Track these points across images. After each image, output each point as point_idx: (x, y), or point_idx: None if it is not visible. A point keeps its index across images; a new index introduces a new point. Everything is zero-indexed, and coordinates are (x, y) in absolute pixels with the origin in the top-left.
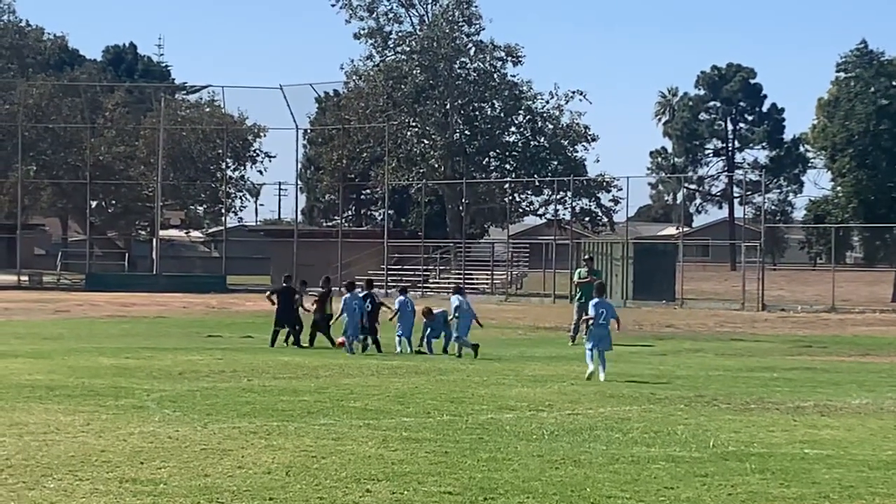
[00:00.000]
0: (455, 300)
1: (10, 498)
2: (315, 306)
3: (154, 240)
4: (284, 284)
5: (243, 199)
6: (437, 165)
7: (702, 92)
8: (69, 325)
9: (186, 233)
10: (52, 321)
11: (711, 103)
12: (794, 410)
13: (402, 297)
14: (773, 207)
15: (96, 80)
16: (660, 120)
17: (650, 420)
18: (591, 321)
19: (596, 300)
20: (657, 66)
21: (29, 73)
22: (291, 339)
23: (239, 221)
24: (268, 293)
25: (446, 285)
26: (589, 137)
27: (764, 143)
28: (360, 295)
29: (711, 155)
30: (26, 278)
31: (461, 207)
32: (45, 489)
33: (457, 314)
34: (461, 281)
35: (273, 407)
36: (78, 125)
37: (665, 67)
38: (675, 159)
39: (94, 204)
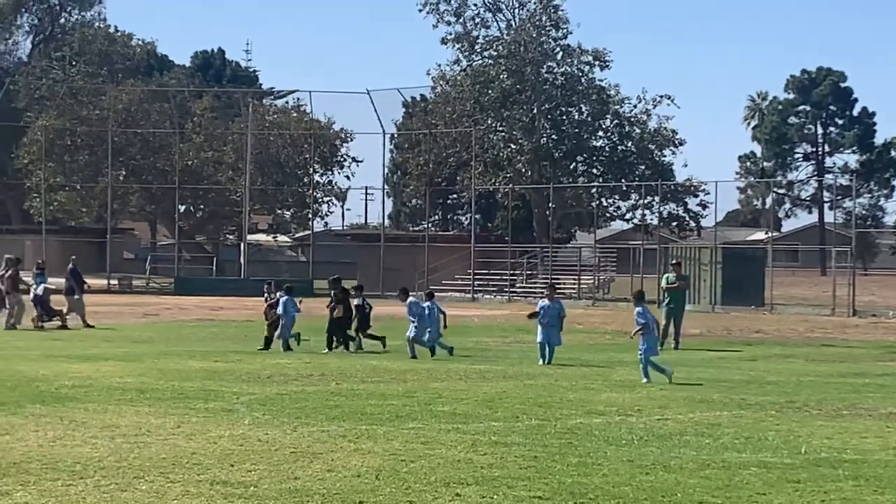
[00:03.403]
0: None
1: (104, 499)
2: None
3: (242, 244)
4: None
5: (330, 203)
6: (523, 170)
7: (791, 96)
8: (158, 328)
9: (274, 237)
10: (141, 325)
11: (801, 107)
12: (887, 417)
13: (428, 303)
14: (863, 212)
15: (185, 85)
16: (749, 124)
17: (741, 425)
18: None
19: (640, 308)
20: (746, 70)
21: (118, 79)
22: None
23: (326, 226)
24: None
25: (533, 290)
26: (676, 142)
27: (854, 147)
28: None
29: (801, 159)
30: (116, 282)
31: (548, 212)
32: (138, 491)
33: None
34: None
35: (361, 411)
36: (166, 130)
37: (754, 71)
38: (765, 164)
39: (182, 208)
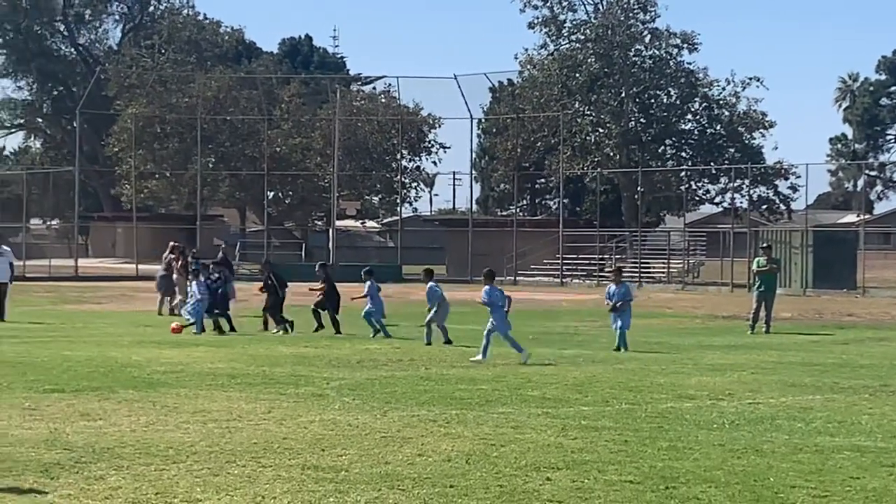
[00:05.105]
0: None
1: (196, 483)
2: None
3: (330, 230)
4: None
5: (418, 189)
6: (612, 154)
7: (883, 77)
8: (248, 314)
9: (362, 223)
10: (231, 310)
11: (893, 88)
12: None
13: (370, 283)
14: None
15: (272, 72)
16: (840, 106)
17: (833, 409)
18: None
19: (488, 287)
20: (837, 51)
21: (207, 67)
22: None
23: (414, 211)
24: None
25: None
26: (766, 124)
27: None
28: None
29: (893, 141)
30: None
31: (637, 196)
32: (230, 475)
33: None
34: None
35: (451, 395)
36: (255, 117)
37: (845, 52)
38: (856, 145)
39: (271, 195)
